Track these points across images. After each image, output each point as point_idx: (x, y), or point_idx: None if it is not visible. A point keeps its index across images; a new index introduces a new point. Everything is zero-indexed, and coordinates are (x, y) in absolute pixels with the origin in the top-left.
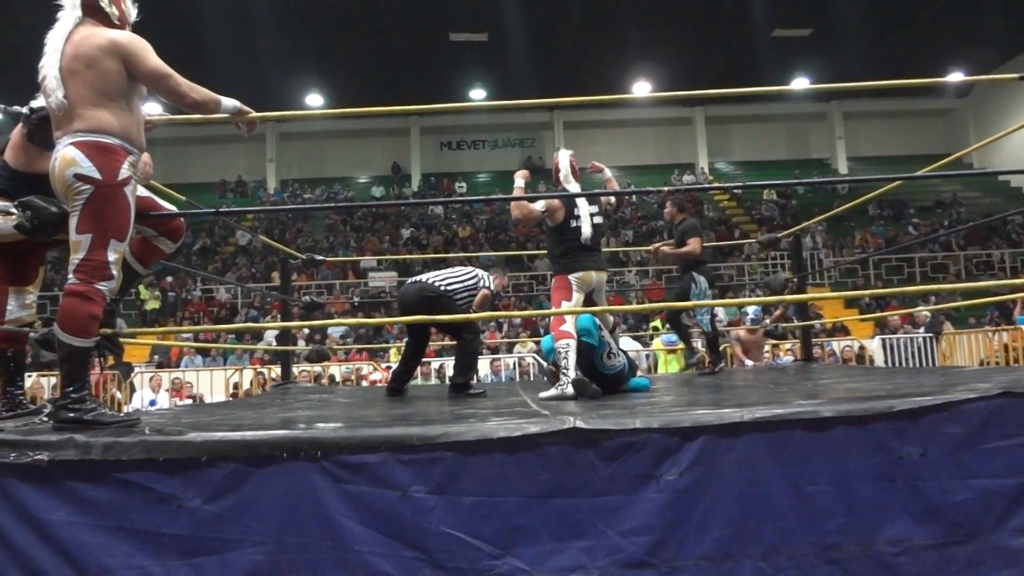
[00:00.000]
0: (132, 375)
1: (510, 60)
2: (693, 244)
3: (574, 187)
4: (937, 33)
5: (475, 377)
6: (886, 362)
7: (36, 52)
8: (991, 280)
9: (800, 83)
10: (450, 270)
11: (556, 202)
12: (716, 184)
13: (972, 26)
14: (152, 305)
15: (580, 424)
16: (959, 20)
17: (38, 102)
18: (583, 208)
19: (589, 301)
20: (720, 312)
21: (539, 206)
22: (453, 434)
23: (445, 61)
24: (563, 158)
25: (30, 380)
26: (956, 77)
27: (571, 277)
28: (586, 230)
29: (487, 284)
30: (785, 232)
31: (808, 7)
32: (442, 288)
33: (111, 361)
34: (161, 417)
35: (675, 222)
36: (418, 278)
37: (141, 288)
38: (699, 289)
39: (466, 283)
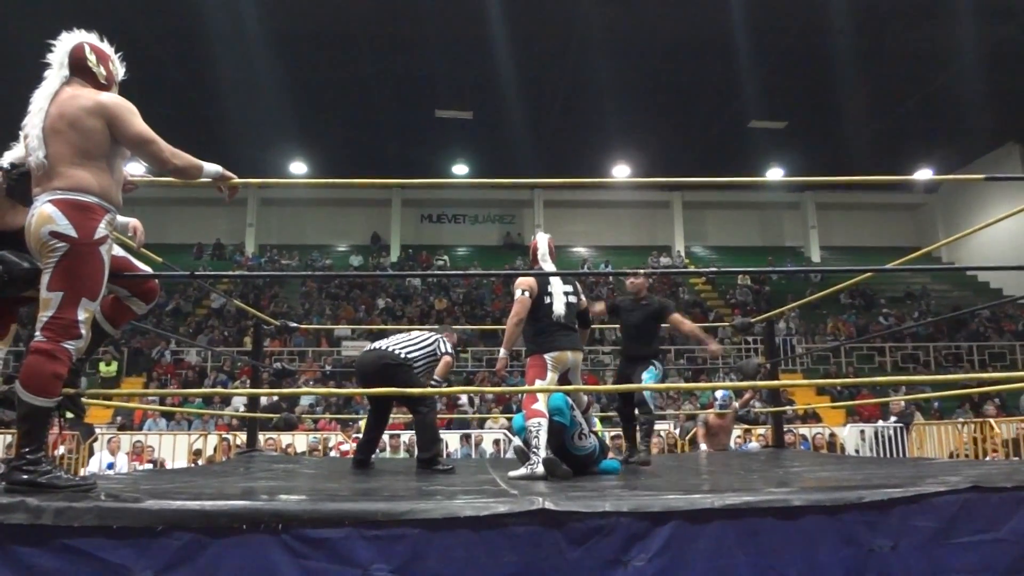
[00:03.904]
0: (92, 437)
1: (494, 138)
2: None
3: (550, 267)
4: (907, 131)
5: (444, 451)
6: (857, 450)
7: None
8: (959, 372)
9: (775, 173)
10: (407, 335)
11: (532, 281)
12: (692, 268)
13: (939, 127)
14: (107, 372)
15: (549, 505)
16: (928, 120)
17: (12, 155)
18: (556, 286)
19: (564, 380)
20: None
21: (523, 293)
22: (419, 511)
23: (430, 136)
24: (542, 239)
25: None
26: (924, 175)
27: (546, 356)
28: (558, 308)
29: (446, 349)
30: (759, 317)
31: (783, 101)
32: (401, 356)
33: (69, 417)
34: (119, 482)
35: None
36: (376, 345)
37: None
38: (659, 371)
39: (424, 349)
